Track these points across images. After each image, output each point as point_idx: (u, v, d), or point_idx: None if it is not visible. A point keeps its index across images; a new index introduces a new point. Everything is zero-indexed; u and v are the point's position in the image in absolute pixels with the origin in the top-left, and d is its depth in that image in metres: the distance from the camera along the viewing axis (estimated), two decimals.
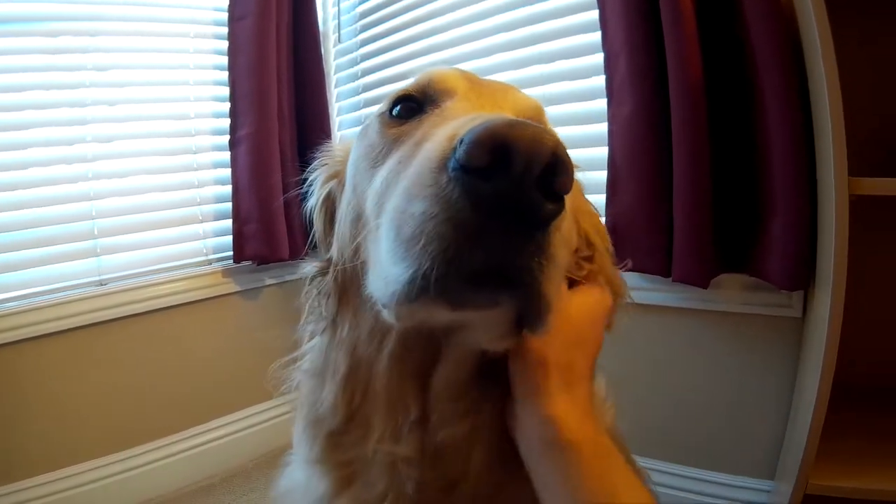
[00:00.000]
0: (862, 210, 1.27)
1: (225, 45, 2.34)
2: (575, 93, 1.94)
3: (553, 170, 0.43)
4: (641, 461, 1.23)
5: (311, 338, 0.80)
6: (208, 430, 2.31)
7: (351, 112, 2.74)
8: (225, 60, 2.34)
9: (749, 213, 1.55)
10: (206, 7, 2.40)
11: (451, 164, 0.45)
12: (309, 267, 0.80)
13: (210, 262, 2.37)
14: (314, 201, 0.83)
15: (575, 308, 0.67)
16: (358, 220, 0.66)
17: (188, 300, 2.26)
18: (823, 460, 1.31)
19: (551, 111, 1.91)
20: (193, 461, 2.24)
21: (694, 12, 1.49)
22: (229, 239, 2.32)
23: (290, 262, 2.38)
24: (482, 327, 0.56)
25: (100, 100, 2.16)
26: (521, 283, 0.46)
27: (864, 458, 1.34)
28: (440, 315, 0.51)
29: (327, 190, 0.81)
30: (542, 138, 0.43)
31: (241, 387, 2.34)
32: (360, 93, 2.68)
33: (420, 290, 0.45)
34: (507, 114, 0.59)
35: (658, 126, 1.58)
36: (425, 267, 0.45)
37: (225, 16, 2.33)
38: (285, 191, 2.31)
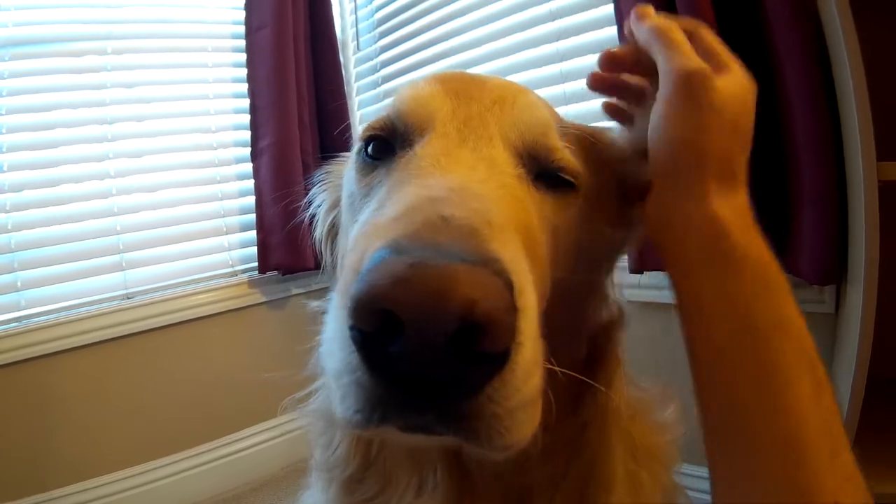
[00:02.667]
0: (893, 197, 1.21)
1: (243, 57, 2.36)
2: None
3: (473, 335, 0.34)
4: None
5: (322, 375, 0.71)
6: (238, 440, 2.32)
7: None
8: (244, 72, 2.36)
9: (776, 206, 1.48)
10: (223, 20, 2.43)
11: (348, 320, 0.37)
12: (316, 303, 0.72)
13: (235, 274, 2.38)
14: (320, 232, 0.79)
15: (727, 93, 0.55)
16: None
17: (214, 312, 2.27)
18: (859, 462, 1.25)
19: (572, 109, 1.88)
20: (223, 471, 2.25)
21: (711, 2, 1.44)
22: (254, 250, 2.32)
23: (315, 270, 2.37)
24: None
25: (121, 116, 2.19)
26: (466, 432, 0.38)
27: None
28: (397, 437, 0.45)
29: (331, 219, 0.77)
30: (445, 299, 0.33)
31: (270, 396, 2.31)
32: (382, 100, 2.67)
33: (358, 426, 0.39)
34: (487, 154, 0.53)
35: None
36: (352, 416, 0.38)
37: (242, 28, 2.35)
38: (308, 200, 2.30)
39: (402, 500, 0.62)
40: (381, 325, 0.34)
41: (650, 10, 0.63)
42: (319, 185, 0.80)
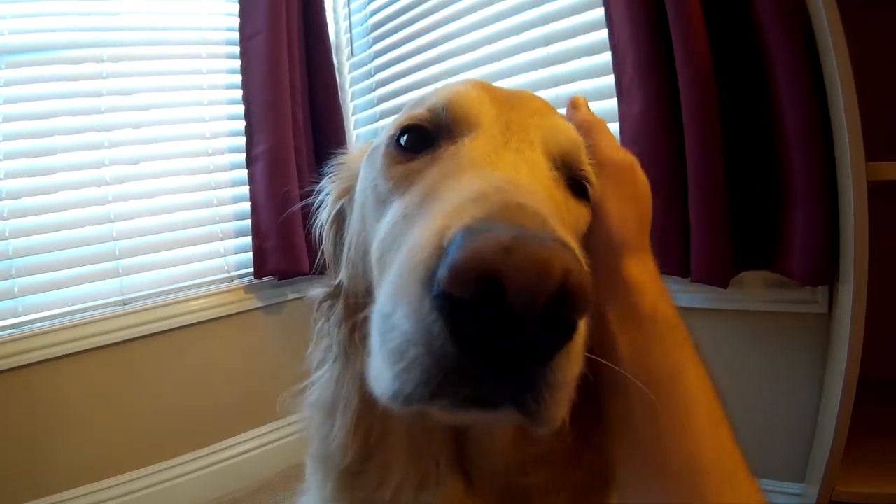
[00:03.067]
0: (887, 197, 1.23)
1: (238, 63, 2.37)
2: (589, 92, 1.89)
3: (562, 301, 0.36)
4: None
5: (320, 367, 0.72)
6: (234, 445, 2.33)
7: (368, 124, 2.75)
8: (239, 79, 2.37)
9: (768, 207, 1.50)
10: (217, 27, 2.44)
11: (434, 288, 0.37)
12: (316, 290, 0.73)
13: (232, 279, 2.39)
14: (324, 218, 0.79)
15: (643, 181, 0.63)
16: (365, 257, 0.61)
17: (211, 317, 2.28)
18: (851, 464, 1.26)
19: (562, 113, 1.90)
20: (219, 475, 2.26)
21: (700, 3, 1.45)
22: (250, 255, 2.34)
23: (311, 275, 2.37)
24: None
25: (117, 123, 2.21)
26: (521, 405, 0.40)
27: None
28: (436, 414, 0.46)
29: (338, 207, 0.77)
30: (549, 266, 0.36)
31: (266, 401, 2.31)
32: (376, 104, 2.69)
33: (408, 401, 0.40)
34: (530, 158, 0.56)
35: (669, 123, 1.54)
36: (408, 389, 0.39)
37: (236, 35, 2.37)
38: (304, 205, 2.31)
39: (402, 494, 0.61)
40: (477, 291, 0.35)
41: (582, 101, 0.71)
42: (330, 174, 0.80)
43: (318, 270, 2.33)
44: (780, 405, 1.65)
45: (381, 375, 0.42)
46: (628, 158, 0.64)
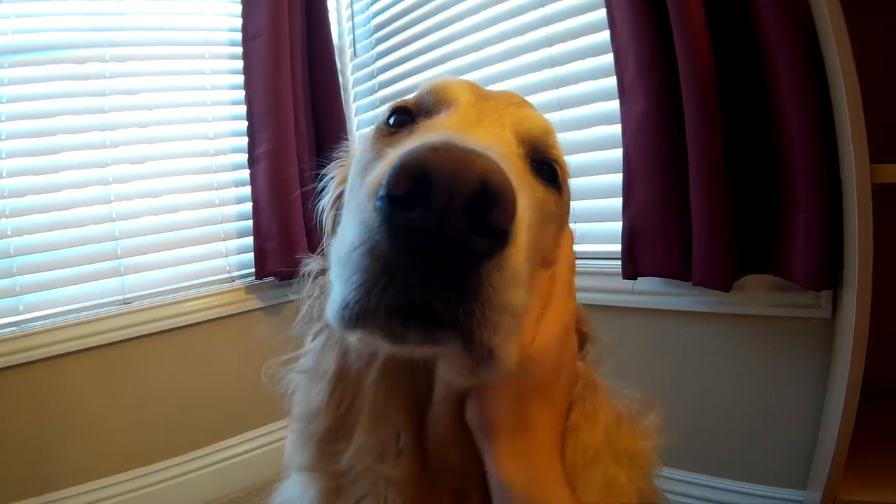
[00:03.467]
0: (891, 199, 1.21)
1: (241, 64, 2.37)
2: (592, 93, 1.89)
3: (485, 200, 0.40)
4: (667, 472, 1.17)
5: (314, 339, 0.75)
6: (235, 445, 2.33)
7: (370, 126, 2.72)
8: (241, 79, 2.37)
9: (771, 210, 1.48)
10: (220, 28, 2.45)
11: (379, 192, 0.42)
12: (313, 264, 0.78)
13: (233, 280, 2.39)
14: (325, 201, 0.82)
15: (535, 344, 0.60)
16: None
17: (212, 317, 2.29)
18: (853, 472, 1.24)
19: (568, 114, 1.90)
20: (220, 475, 2.26)
21: (701, 3, 1.44)
22: (251, 256, 2.34)
23: None
24: (444, 361, 0.54)
25: (120, 123, 2.21)
26: (455, 325, 0.42)
27: None
28: (384, 347, 0.49)
29: (339, 191, 0.80)
30: (469, 164, 0.40)
31: (267, 402, 2.32)
32: (378, 106, 2.69)
33: (354, 317, 0.43)
34: (498, 133, 0.59)
35: (671, 123, 1.53)
36: (351, 297, 0.42)
37: (239, 35, 2.37)
38: (305, 206, 2.32)
39: (361, 461, 0.64)
40: (412, 188, 0.39)
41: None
42: (335, 161, 0.85)
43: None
44: (783, 411, 1.63)
45: (333, 300, 0.45)
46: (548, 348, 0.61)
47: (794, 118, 1.36)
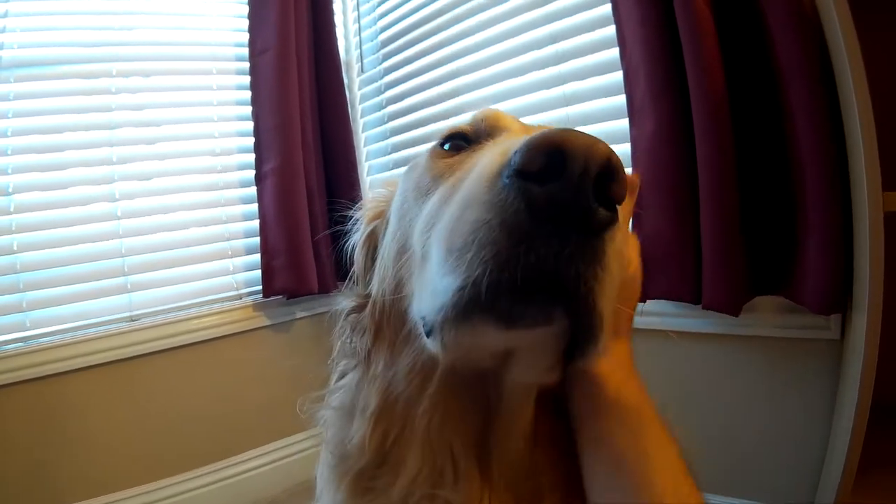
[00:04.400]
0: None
1: (247, 80, 2.36)
2: (601, 112, 1.88)
3: (608, 176, 0.43)
4: None
5: (343, 376, 0.76)
6: (241, 462, 2.31)
7: (378, 141, 2.74)
8: (248, 95, 2.36)
9: (781, 233, 1.47)
10: (227, 43, 2.45)
11: (506, 172, 0.45)
12: (345, 302, 0.78)
13: (240, 297, 2.38)
14: (357, 237, 0.83)
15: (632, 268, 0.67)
16: (403, 251, 0.65)
17: (219, 335, 2.27)
18: (861, 491, 1.24)
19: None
20: (225, 492, 2.25)
21: (714, 24, 1.44)
22: (259, 273, 2.32)
23: (319, 294, 2.37)
24: (531, 355, 0.54)
25: (127, 139, 2.21)
26: (575, 294, 0.45)
27: None
28: (489, 338, 0.49)
29: (371, 227, 0.80)
30: (598, 144, 0.44)
31: (273, 419, 2.33)
32: (386, 122, 2.67)
33: (469, 302, 0.45)
34: None
35: (681, 144, 1.52)
36: (476, 273, 0.44)
37: (246, 51, 2.36)
38: (313, 223, 2.31)
39: (417, 490, 0.63)
40: (545, 164, 0.43)
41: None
42: (365, 201, 0.86)
43: (326, 288, 2.33)
44: (791, 431, 1.62)
45: (438, 288, 0.48)
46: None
47: (806, 141, 1.35)
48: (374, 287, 0.72)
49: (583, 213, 0.43)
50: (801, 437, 1.59)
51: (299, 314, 2.47)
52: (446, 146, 0.69)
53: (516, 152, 0.44)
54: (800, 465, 1.59)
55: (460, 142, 0.68)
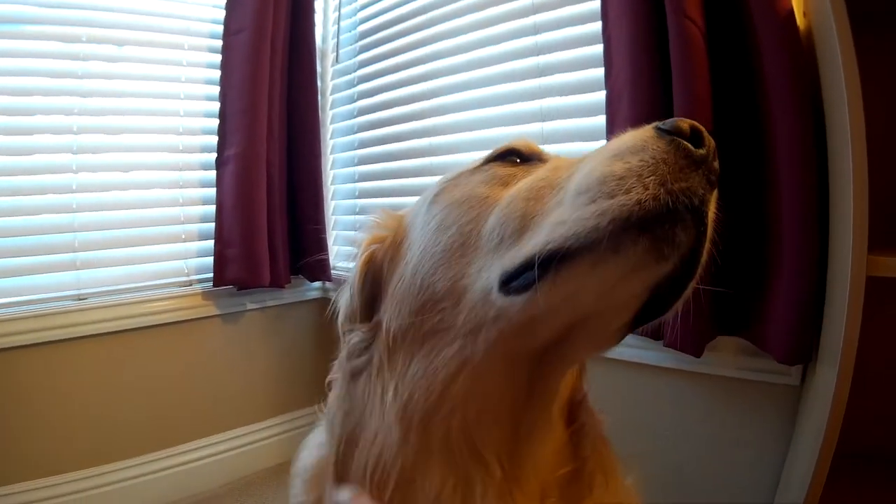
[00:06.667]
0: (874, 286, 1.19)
1: (219, 58, 2.29)
2: (581, 130, 1.83)
3: (716, 153, 0.55)
4: None
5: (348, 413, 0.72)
6: (182, 453, 2.27)
7: (346, 135, 2.67)
8: (218, 75, 2.29)
9: (752, 277, 1.44)
10: (203, 18, 2.35)
11: (660, 131, 0.54)
12: (356, 338, 0.74)
13: (191, 283, 2.31)
14: (357, 266, 0.80)
15: None
16: (435, 269, 0.65)
17: (167, 321, 2.22)
18: None
19: (554, 148, 1.84)
20: (163, 483, 2.21)
21: (707, 59, 1.39)
22: (211, 260, 2.26)
23: (270, 287, 2.33)
24: (612, 312, 0.58)
25: (89, 108, 2.12)
26: (701, 236, 0.53)
27: None
28: (626, 261, 0.52)
29: (370, 250, 0.79)
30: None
31: (218, 412, 2.31)
32: (356, 115, 2.60)
33: (626, 219, 0.50)
34: None
35: None
36: (641, 195, 0.50)
37: (220, 28, 2.28)
38: (270, 215, 2.26)
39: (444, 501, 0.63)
40: (691, 133, 0.54)
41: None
42: (363, 229, 0.84)
43: (278, 282, 2.28)
44: (745, 472, 1.60)
45: (567, 220, 0.53)
46: None
47: (789, 193, 1.31)
48: (387, 312, 0.71)
49: (710, 172, 0.53)
50: (755, 480, 1.57)
51: (250, 306, 2.41)
52: (505, 158, 0.73)
53: (667, 123, 0.54)
54: None
55: (515, 158, 0.73)
